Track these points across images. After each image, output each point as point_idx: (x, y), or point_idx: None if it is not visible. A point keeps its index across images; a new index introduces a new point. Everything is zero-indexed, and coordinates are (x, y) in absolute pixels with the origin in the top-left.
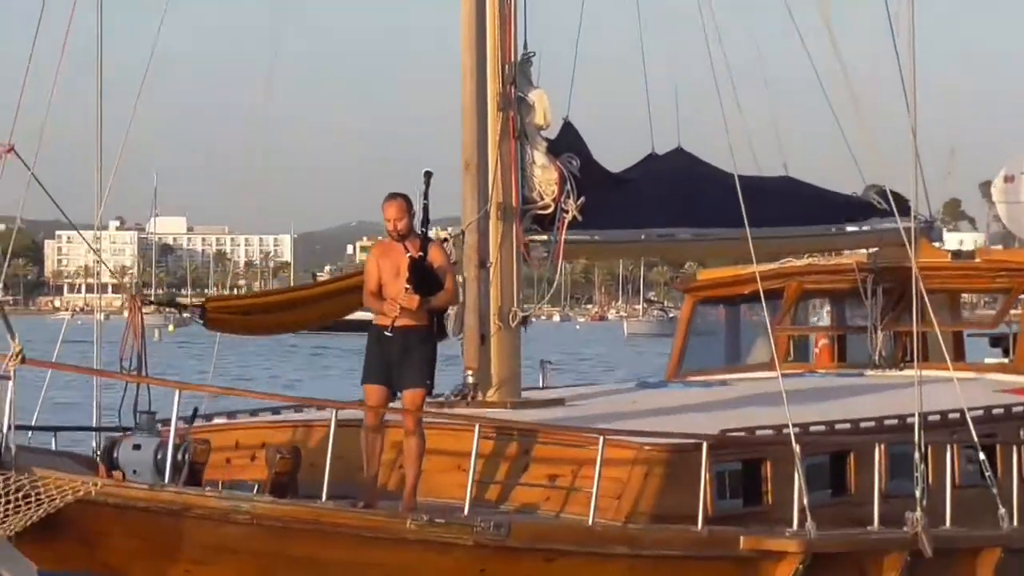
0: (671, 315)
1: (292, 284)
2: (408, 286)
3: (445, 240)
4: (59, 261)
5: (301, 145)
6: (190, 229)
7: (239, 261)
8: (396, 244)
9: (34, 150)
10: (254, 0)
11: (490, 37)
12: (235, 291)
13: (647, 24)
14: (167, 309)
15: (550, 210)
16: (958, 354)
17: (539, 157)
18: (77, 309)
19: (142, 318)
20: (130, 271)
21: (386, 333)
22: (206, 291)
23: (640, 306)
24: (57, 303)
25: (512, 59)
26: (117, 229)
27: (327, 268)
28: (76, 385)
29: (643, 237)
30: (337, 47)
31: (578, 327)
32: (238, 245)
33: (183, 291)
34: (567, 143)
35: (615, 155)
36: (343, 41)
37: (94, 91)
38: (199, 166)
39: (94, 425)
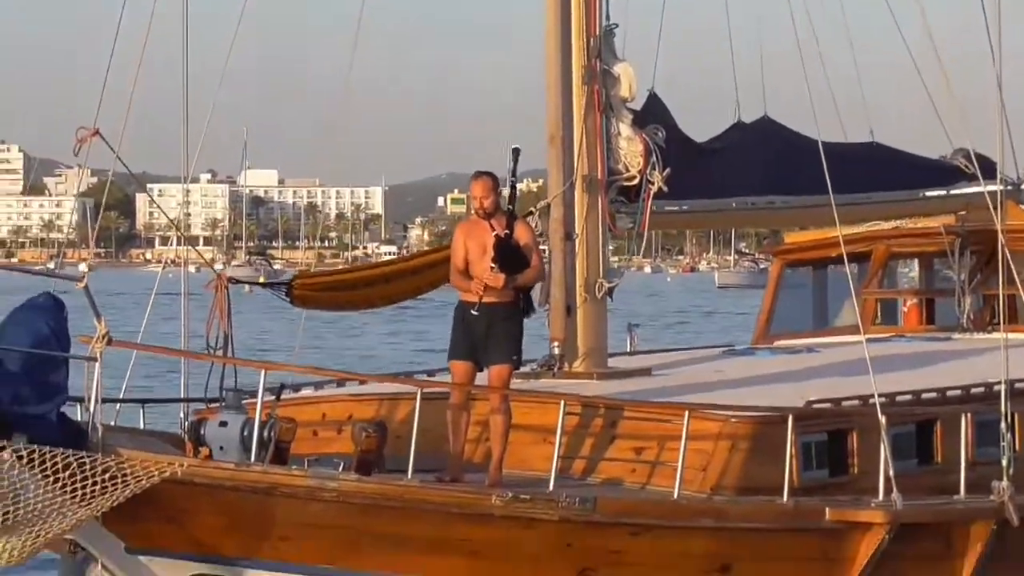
0: (762, 266)
1: (383, 236)
2: (494, 264)
3: (531, 213)
4: (150, 214)
5: (391, 98)
6: (281, 182)
7: (330, 213)
8: (482, 222)
9: (120, 128)
10: None
11: (575, 10)
12: (326, 242)
13: None
14: (251, 287)
15: (635, 181)
16: None
17: (624, 129)
18: (169, 261)
19: (228, 298)
20: (221, 223)
21: (472, 312)
22: (297, 243)
23: (731, 257)
24: (148, 255)
25: (597, 32)
26: (209, 182)
27: (417, 220)
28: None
29: (729, 206)
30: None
31: (669, 278)
32: (329, 198)
33: (274, 243)
34: (652, 115)
35: (701, 126)
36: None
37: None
38: (291, 119)
39: (182, 397)
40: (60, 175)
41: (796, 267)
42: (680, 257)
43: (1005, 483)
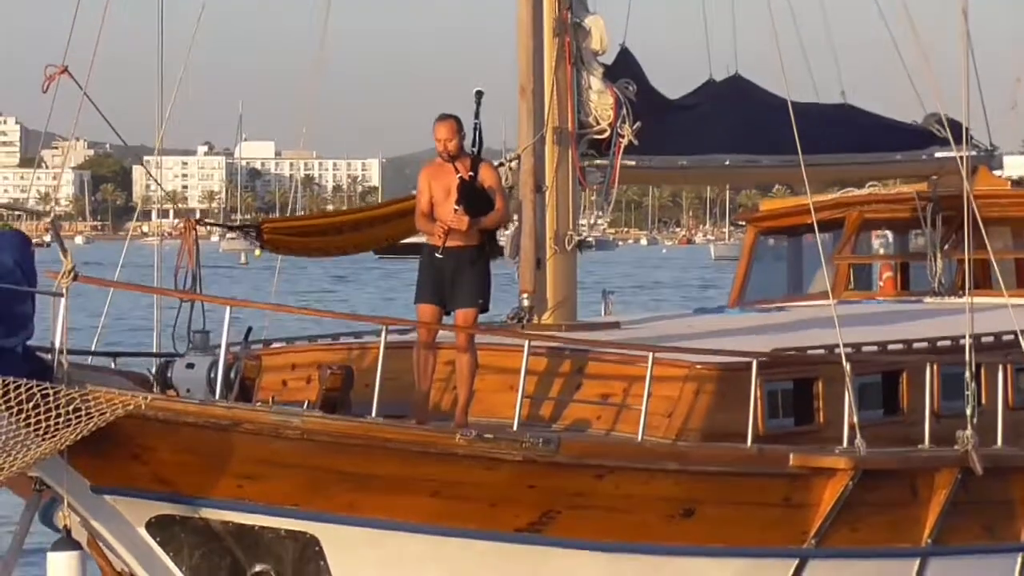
0: None
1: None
2: (457, 207)
3: (501, 164)
4: (147, 186)
5: (384, 70)
6: (278, 154)
7: (327, 186)
8: (447, 164)
9: (96, 72)
10: None
11: None
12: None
13: None
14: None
15: (606, 135)
16: (1021, 281)
17: (595, 82)
18: (168, 234)
19: (197, 239)
20: (218, 195)
21: (437, 255)
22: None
23: (727, 229)
24: (145, 228)
25: None
26: (206, 154)
27: (414, 192)
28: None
29: (695, 163)
30: None
31: (664, 250)
32: (326, 170)
33: (271, 215)
34: (624, 69)
35: (673, 82)
36: None
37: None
38: (286, 91)
39: (154, 348)
40: (57, 148)
41: (770, 234)
42: (676, 229)
43: (969, 432)
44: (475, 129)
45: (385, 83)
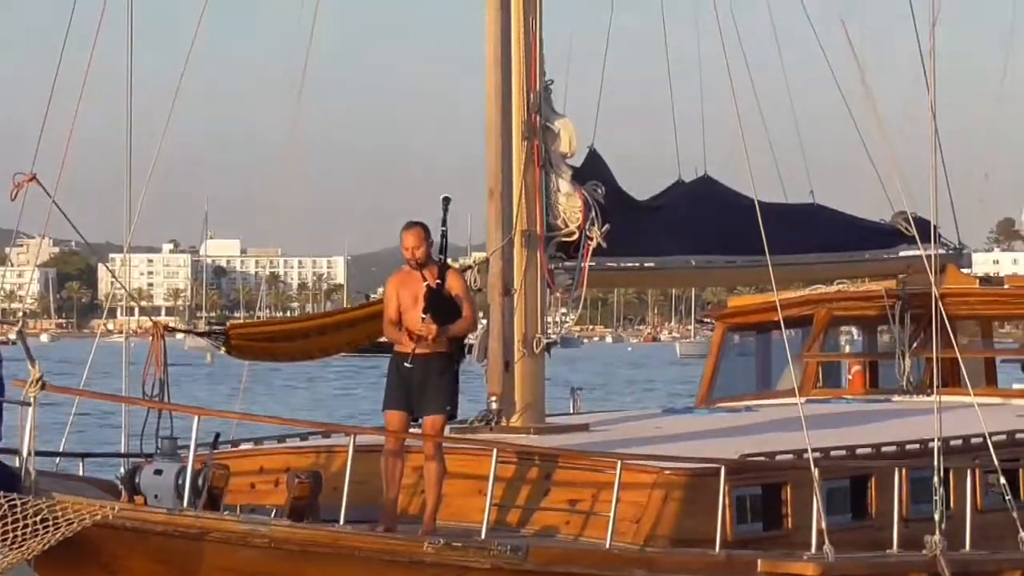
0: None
1: (346, 306)
2: (425, 315)
3: (468, 268)
4: (112, 283)
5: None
6: (243, 251)
7: (292, 283)
8: (415, 272)
9: (65, 176)
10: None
11: (515, 67)
12: (288, 313)
13: (673, 52)
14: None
15: (575, 237)
16: (990, 380)
17: (564, 185)
18: (133, 332)
19: (165, 346)
20: (183, 293)
21: (406, 364)
22: (258, 314)
23: (692, 327)
24: (111, 326)
25: (537, 87)
26: (171, 252)
27: (379, 290)
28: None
29: (663, 264)
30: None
31: (630, 348)
32: (291, 267)
33: (236, 313)
34: (592, 171)
35: (642, 183)
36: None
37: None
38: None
39: (122, 451)
40: (22, 244)
41: (738, 331)
42: (641, 327)
43: (937, 537)
44: (442, 236)
45: (350, 180)
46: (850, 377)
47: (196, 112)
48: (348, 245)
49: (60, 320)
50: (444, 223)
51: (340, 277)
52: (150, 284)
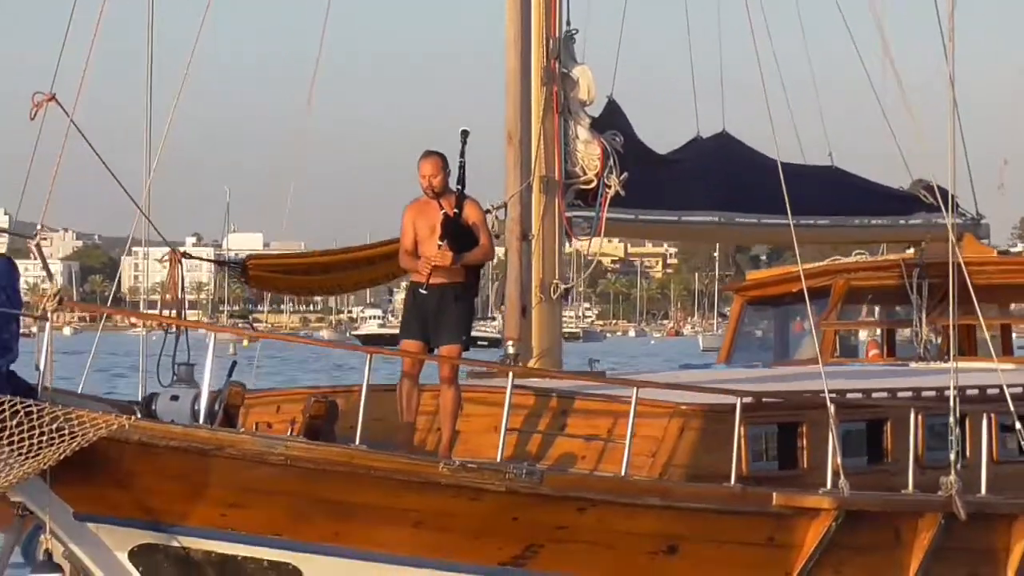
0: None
1: (368, 300)
2: (442, 243)
3: (488, 211)
4: (135, 277)
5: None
6: (266, 245)
7: None
8: (431, 201)
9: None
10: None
11: (535, 12)
12: (311, 306)
13: (693, 8)
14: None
15: (592, 185)
16: (1007, 349)
17: (582, 132)
18: (155, 325)
19: (182, 271)
20: (206, 287)
21: (421, 291)
22: (282, 306)
23: (715, 320)
24: (134, 319)
25: (556, 34)
26: (194, 245)
27: (403, 283)
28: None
29: (686, 219)
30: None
31: (652, 342)
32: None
33: (259, 307)
34: (611, 121)
35: (660, 138)
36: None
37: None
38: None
39: (140, 377)
40: (46, 238)
41: (757, 304)
42: (664, 321)
43: (953, 477)
44: (460, 167)
45: (369, 167)
46: (868, 354)
47: (218, 105)
48: (369, 233)
49: (83, 313)
50: (463, 154)
51: None
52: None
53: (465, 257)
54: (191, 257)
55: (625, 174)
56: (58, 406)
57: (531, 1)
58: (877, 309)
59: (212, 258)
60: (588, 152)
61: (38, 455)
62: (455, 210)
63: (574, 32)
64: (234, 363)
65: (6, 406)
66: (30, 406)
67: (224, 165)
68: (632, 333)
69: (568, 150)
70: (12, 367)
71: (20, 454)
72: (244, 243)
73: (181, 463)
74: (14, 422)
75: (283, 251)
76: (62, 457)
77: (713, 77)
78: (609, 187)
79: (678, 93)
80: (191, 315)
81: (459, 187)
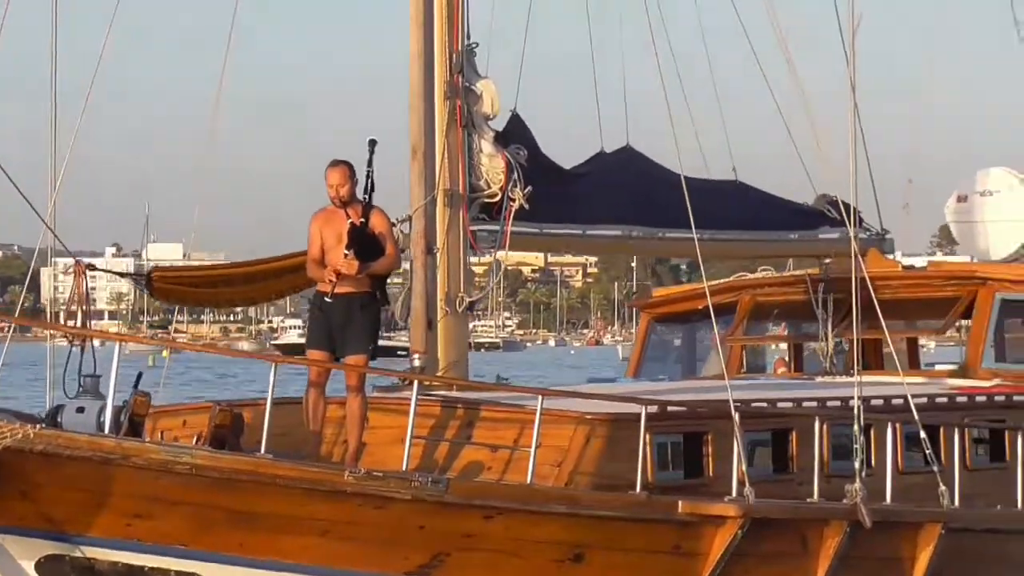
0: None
1: (288, 310)
2: (348, 252)
3: (393, 224)
4: (55, 288)
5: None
6: (186, 256)
7: None
8: (338, 211)
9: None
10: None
11: (437, 26)
12: (231, 316)
13: (596, 22)
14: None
15: (497, 198)
16: (913, 362)
17: (486, 146)
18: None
19: (86, 284)
20: (126, 297)
21: (327, 300)
22: (202, 317)
23: (634, 330)
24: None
25: (459, 48)
26: (114, 255)
27: None
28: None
29: (590, 233)
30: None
31: (572, 351)
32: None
33: (179, 317)
34: (515, 134)
35: (563, 152)
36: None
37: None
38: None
39: (47, 390)
40: None
41: (662, 321)
42: (585, 331)
43: (858, 485)
44: (367, 176)
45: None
46: (776, 367)
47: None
48: (292, 245)
49: (1, 324)
50: (370, 164)
51: None
52: (93, 288)
53: (371, 266)
54: (96, 269)
55: (529, 188)
56: None
57: (434, 16)
58: (784, 324)
59: (117, 270)
60: (492, 166)
61: None
62: (361, 219)
63: (474, 46)
64: (140, 374)
65: None
66: None
67: (146, 174)
68: (552, 343)
69: (472, 164)
70: None
71: None
72: (164, 253)
73: (86, 473)
74: None
75: (199, 263)
76: None
77: (617, 90)
78: (513, 200)
79: (581, 107)
80: (111, 326)
81: (366, 196)
